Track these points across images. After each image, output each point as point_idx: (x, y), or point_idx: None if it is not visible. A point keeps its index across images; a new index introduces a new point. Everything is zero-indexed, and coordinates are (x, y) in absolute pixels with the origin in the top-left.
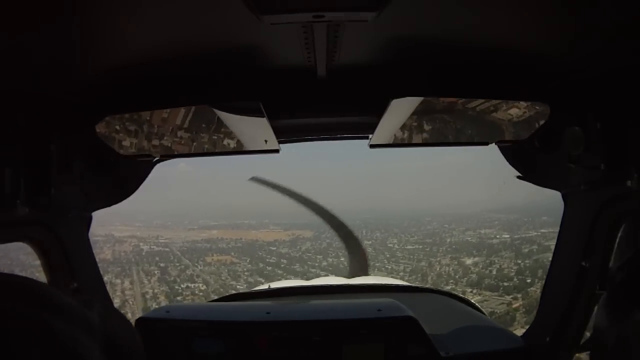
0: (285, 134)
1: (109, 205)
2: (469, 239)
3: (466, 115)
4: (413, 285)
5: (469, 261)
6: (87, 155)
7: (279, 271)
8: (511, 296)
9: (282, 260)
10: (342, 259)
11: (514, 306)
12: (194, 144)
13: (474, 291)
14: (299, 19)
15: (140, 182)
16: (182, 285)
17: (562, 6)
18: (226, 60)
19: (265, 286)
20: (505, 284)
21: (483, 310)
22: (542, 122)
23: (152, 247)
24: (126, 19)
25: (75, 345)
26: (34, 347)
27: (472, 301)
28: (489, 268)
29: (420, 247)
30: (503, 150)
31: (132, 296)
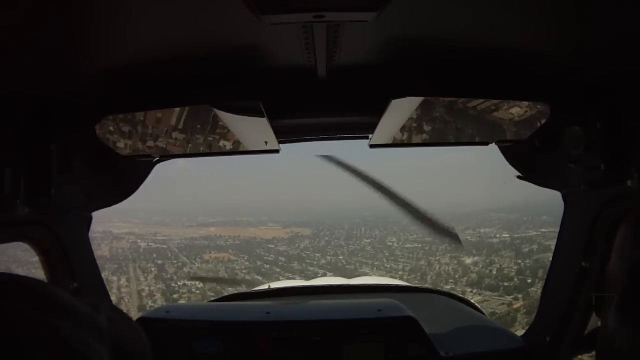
0: (285, 134)
1: (109, 205)
2: (469, 237)
3: (466, 115)
4: (413, 285)
5: (468, 260)
6: (87, 155)
7: (276, 269)
8: (512, 296)
9: (280, 258)
10: (340, 257)
11: (514, 306)
12: (194, 144)
13: (474, 291)
14: (299, 19)
15: (140, 182)
16: (178, 283)
17: (562, 6)
18: (226, 60)
19: (265, 286)
20: (506, 283)
21: (483, 310)
22: (542, 122)
23: (149, 244)
24: (126, 19)
25: (85, 349)
26: (44, 351)
27: (472, 301)
28: (489, 267)
29: (420, 245)
30: (503, 150)
31: (128, 294)
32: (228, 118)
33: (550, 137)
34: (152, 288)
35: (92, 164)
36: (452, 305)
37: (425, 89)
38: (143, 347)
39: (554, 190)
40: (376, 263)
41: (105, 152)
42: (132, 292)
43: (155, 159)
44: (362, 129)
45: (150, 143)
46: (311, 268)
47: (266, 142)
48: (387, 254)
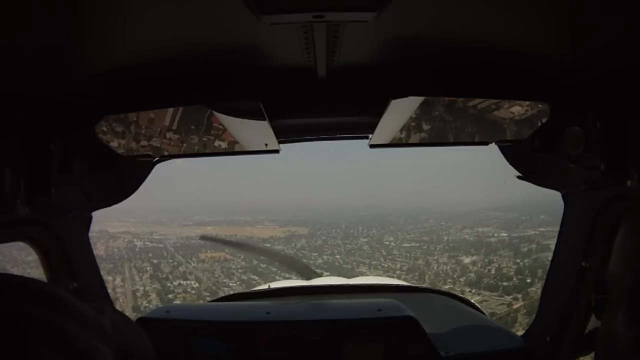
0: (285, 134)
1: (109, 205)
2: (467, 237)
3: (466, 115)
4: (413, 285)
5: (467, 260)
6: (87, 155)
7: (273, 269)
8: (511, 296)
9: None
10: (337, 257)
11: (514, 307)
12: (194, 144)
13: (473, 291)
14: (299, 19)
15: (140, 182)
16: (174, 283)
17: (562, 6)
18: (226, 60)
19: (265, 286)
20: (505, 283)
21: (483, 310)
22: (542, 122)
23: (145, 243)
24: (126, 18)
25: (90, 351)
26: (51, 352)
27: (472, 301)
28: (488, 267)
29: (417, 245)
30: (503, 150)
31: (123, 294)
32: (228, 118)
33: (550, 137)
34: (147, 288)
35: (92, 164)
36: (452, 305)
37: (425, 89)
38: (146, 349)
39: (553, 190)
40: (374, 262)
41: (105, 152)
42: (126, 292)
43: (155, 159)
44: (362, 129)
45: (150, 143)
46: None
47: (266, 143)
48: (384, 254)
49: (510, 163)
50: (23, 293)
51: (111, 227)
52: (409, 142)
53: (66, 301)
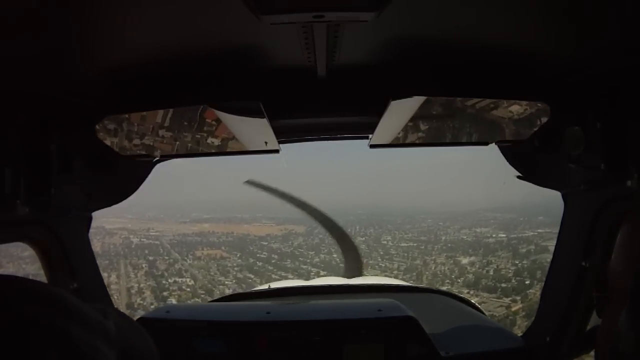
0: (285, 134)
1: (109, 205)
2: (465, 237)
3: (466, 115)
4: (413, 285)
5: (465, 260)
6: (87, 155)
7: (269, 267)
8: (510, 298)
9: (273, 255)
10: (334, 256)
11: (513, 309)
12: (194, 144)
13: (471, 292)
14: (299, 19)
15: (140, 182)
16: (169, 280)
17: (562, 6)
18: (226, 60)
19: (265, 286)
20: (503, 285)
21: (483, 310)
22: (542, 122)
23: (142, 239)
24: (126, 19)
25: (94, 354)
26: (54, 355)
27: (472, 301)
28: (486, 268)
29: (415, 244)
30: (503, 150)
31: (117, 291)
32: (228, 118)
33: (550, 137)
34: (141, 285)
35: (92, 164)
36: (452, 305)
37: (425, 89)
38: (150, 351)
39: (552, 191)
40: (371, 262)
41: (105, 152)
42: (121, 289)
43: (155, 159)
44: (362, 129)
45: (150, 143)
46: (304, 266)
47: (266, 142)
48: (381, 253)
49: (510, 163)
50: (26, 295)
51: (108, 223)
52: (409, 142)
53: (69, 303)
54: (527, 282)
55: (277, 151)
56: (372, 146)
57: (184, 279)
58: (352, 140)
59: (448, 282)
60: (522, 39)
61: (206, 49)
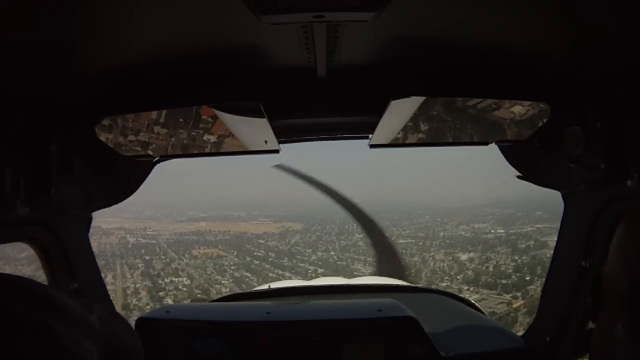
0: (285, 134)
1: (109, 205)
2: (463, 233)
3: (466, 115)
4: (413, 285)
5: (464, 257)
6: (87, 155)
7: (266, 265)
8: (510, 295)
9: (270, 253)
10: (332, 253)
11: (514, 306)
12: (194, 144)
13: (471, 289)
14: (299, 19)
15: (140, 182)
16: (165, 280)
17: (562, 6)
18: (226, 60)
19: (265, 286)
20: (504, 281)
21: (483, 310)
22: (542, 122)
23: (138, 239)
24: (126, 19)
25: (77, 348)
26: (37, 349)
27: (472, 301)
28: (485, 264)
29: (413, 241)
30: (503, 150)
31: (113, 292)
32: (228, 118)
33: (550, 137)
34: (137, 285)
35: (92, 164)
36: (452, 305)
37: (425, 89)
38: (135, 346)
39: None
40: (369, 259)
41: (105, 152)
42: (117, 290)
43: (155, 159)
44: (362, 129)
45: (150, 143)
46: (302, 264)
47: (266, 142)
48: None
49: (511, 163)
50: (8, 291)
51: (104, 223)
52: (409, 142)
53: (52, 298)
54: (527, 278)
55: (277, 151)
56: (372, 146)
57: (180, 279)
58: (352, 140)
59: (447, 279)
60: (523, 39)
61: (206, 49)
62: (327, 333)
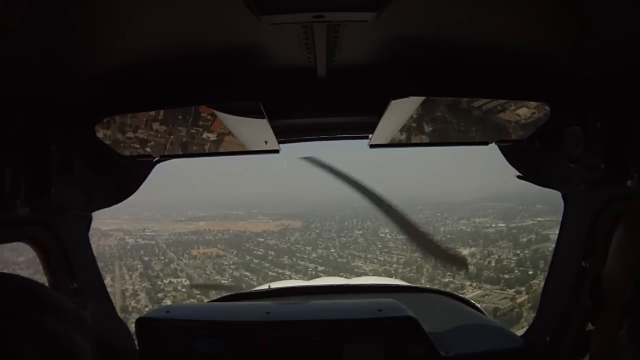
0: (285, 134)
1: (109, 205)
2: (464, 228)
3: (466, 115)
4: (413, 285)
5: (465, 252)
6: (87, 155)
7: (266, 264)
8: (514, 290)
9: (269, 252)
10: (332, 250)
11: (518, 301)
12: (194, 143)
13: (474, 284)
14: (299, 19)
15: (140, 182)
16: (164, 281)
17: (562, 6)
18: (226, 60)
19: (265, 286)
20: (506, 276)
21: (483, 310)
22: (542, 122)
23: (137, 240)
24: (126, 19)
25: (70, 344)
26: (32, 347)
27: (472, 301)
28: (487, 259)
29: None
30: (503, 150)
31: (112, 294)
32: (228, 118)
33: (550, 137)
34: (136, 287)
35: (92, 164)
36: (452, 305)
37: (425, 89)
38: (128, 341)
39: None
40: (369, 256)
41: (105, 152)
42: (115, 292)
43: (155, 159)
44: (362, 129)
45: (150, 143)
46: (302, 262)
47: (266, 142)
48: (380, 246)
49: (511, 163)
50: (4, 289)
51: (103, 225)
52: (409, 142)
53: (45, 295)
54: (530, 273)
55: (277, 151)
56: (372, 146)
57: (179, 279)
58: (352, 140)
59: (449, 275)
60: (523, 39)
61: (206, 49)
62: (327, 333)
